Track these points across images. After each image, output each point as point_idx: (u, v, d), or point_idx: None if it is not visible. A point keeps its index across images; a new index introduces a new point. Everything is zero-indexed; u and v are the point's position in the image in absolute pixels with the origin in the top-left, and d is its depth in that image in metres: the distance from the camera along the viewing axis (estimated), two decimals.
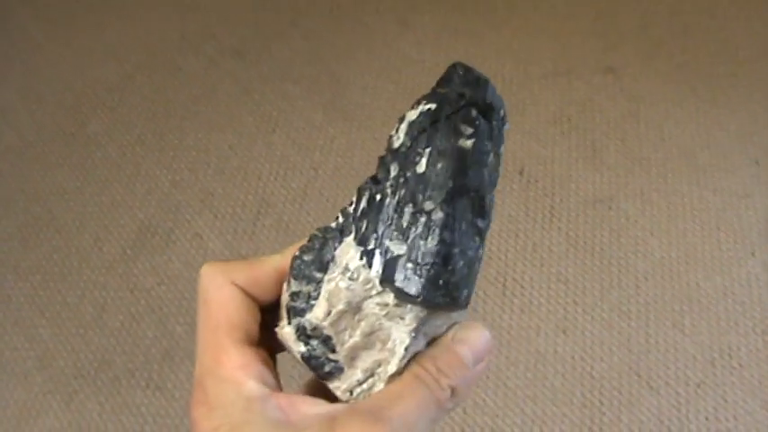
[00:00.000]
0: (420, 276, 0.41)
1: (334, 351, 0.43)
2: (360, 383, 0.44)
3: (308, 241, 0.45)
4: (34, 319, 1.41)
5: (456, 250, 0.41)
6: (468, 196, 0.42)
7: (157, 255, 1.47)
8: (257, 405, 0.40)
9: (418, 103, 0.44)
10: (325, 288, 0.43)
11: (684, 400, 1.25)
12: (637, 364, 1.29)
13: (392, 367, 0.43)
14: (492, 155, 0.44)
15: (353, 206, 0.44)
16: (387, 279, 0.41)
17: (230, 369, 0.41)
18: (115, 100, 1.74)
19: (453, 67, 0.45)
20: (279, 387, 0.43)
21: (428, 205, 0.42)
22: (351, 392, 0.44)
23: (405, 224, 0.42)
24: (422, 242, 0.41)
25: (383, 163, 0.44)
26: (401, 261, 0.41)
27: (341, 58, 1.78)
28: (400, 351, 0.43)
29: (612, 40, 1.76)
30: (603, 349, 1.31)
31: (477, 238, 0.43)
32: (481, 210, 0.43)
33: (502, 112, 0.45)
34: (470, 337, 0.44)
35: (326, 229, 0.44)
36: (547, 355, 1.31)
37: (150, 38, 1.88)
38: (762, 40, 1.73)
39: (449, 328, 0.44)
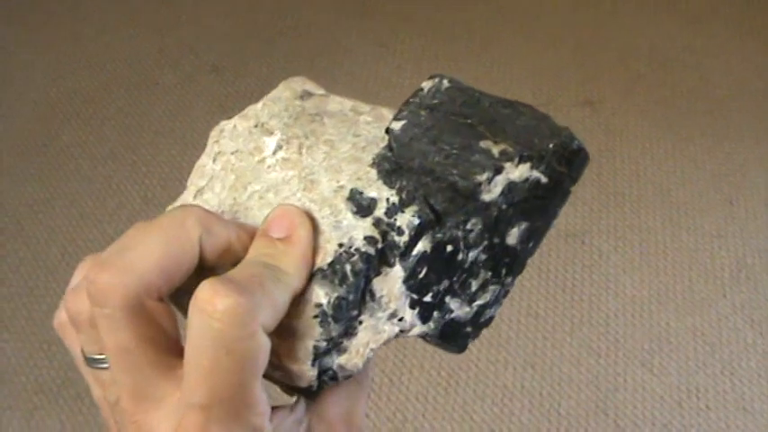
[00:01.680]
0: (471, 338, 0.41)
1: (337, 380, 0.40)
2: None
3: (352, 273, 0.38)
4: None
5: None
6: None
7: None
8: None
9: (521, 159, 0.38)
10: (369, 336, 0.38)
11: None
12: (604, 403, 1.28)
13: None
14: None
15: (404, 239, 0.37)
16: (443, 339, 0.40)
17: (257, 418, 0.35)
18: (89, 111, 1.72)
19: (580, 148, 0.40)
20: None
21: (508, 280, 0.40)
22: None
23: (474, 288, 0.40)
24: (488, 310, 0.41)
25: (455, 204, 0.38)
26: (463, 325, 0.40)
27: (319, 79, 1.73)
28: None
29: (592, 72, 1.76)
30: (572, 386, 1.30)
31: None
32: None
33: None
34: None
35: (367, 257, 0.38)
36: (514, 389, 1.30)
37: (128, 50, 1.86)
38: (739, 79, 1.74)
39: None
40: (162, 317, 0.36)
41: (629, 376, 1.31)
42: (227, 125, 0.43)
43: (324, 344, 0.38)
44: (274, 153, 0.41)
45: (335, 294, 0.37)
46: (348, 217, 0.38)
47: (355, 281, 0.37)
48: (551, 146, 0.39)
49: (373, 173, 0.39)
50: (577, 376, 1.31)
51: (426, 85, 0.42)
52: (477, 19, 1.90)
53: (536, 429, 1.26)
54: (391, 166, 0.39)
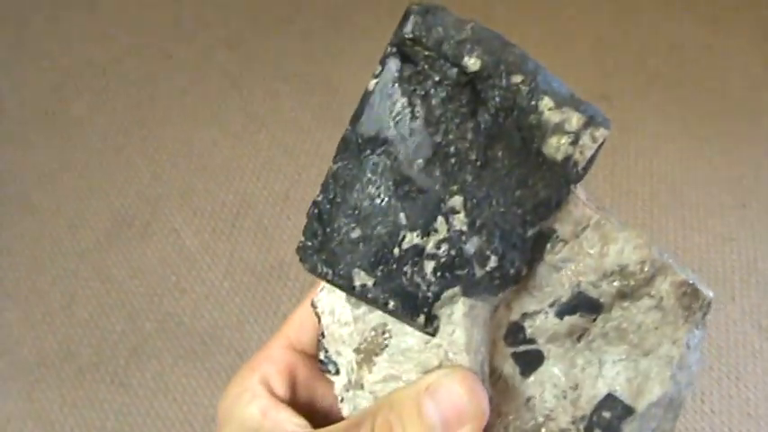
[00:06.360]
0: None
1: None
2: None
3: None
4: (0, 302, 1.38)
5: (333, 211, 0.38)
6: (369, 149, 0.37)
7: (132, 247, 1.44)
8: None
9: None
10: None
11: None
12: None
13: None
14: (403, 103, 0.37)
15: None
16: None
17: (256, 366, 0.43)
18: (101, 83, 1.71)
19: None
20: None
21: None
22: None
23: None
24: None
25: None
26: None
27: (335, 60, 1.75)
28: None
29: (609, 67, 1.75)
30: None
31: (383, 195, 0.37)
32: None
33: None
34: (444, 391, 0.32)
35: None
36: None
37: (143, 21, 1.84)
38: (758, 81, 1.73)
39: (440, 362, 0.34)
40: (282, 361, 0.43)
41: None
42: None
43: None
44: None
45: None
46: None
47: None
48: None
49: None
50: None
51: None
52: (495, 9, 1.89)
53: None
54: None
